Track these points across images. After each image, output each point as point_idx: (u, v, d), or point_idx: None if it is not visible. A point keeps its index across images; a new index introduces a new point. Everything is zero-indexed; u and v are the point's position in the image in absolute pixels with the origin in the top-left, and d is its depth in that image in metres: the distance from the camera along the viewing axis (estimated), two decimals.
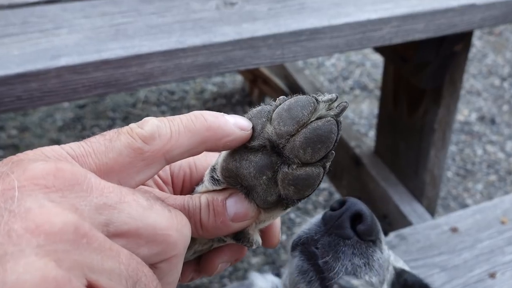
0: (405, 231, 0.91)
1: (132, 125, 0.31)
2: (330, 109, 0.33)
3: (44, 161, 0.26)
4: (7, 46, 0.65)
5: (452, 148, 2.03)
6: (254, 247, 0.39)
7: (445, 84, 1.10)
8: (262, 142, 0.33)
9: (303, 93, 0.34)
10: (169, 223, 0.29)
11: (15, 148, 1.86)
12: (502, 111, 2.26)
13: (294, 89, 1.66)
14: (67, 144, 0.29)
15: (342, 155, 1.43)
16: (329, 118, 0.32)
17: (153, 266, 0.29)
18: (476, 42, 2.72)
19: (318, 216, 0.50)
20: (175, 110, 2.14)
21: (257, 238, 0.39)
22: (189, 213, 0.34)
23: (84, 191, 0.26)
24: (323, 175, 0.34)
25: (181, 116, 0.32)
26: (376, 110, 2.17)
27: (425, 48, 1.03)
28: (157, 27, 0.72)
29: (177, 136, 0.31)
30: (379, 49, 1.24)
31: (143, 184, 0.33)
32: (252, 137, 0.33)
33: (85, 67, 0.63)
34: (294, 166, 0.32)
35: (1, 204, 0.23)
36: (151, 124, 0.30)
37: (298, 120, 0.32)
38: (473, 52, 2.59)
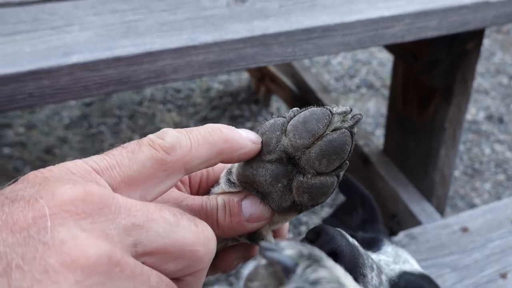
0: (415, 230, 0.90)
1: (152, 136, 0.31)
2: (344, 121, 0.33)
3: (71, 184, 0.26)
4: (19, 43, 0.65)
5: (460, 147, 2.02)
6: None
7: (456, 82, 1.09)
8: (278, 156, 0.34)
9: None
10: (196, 238, 0.29)
11: (22, 146, 1.86)
12: (510, 110, 2.24)
13: (301, 87, 1.65)
14: (90, 158, 0.29)
15: None
16: (343, 130, 0.33)
17: (179, 279, 0.30)
18: (484, 40, 2.70)
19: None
20: (181, 108, 2.13)
21: (270, 239, 0.40)
22: (207, 213, 0.36)
23: (112, 213, 0.26)
24: (336, 184, 0.35)
25: (198, 128, 0.33)
26: (382, 109, 2.16)
27: (437, 46, 1.02)
28: (168, 24, 0.72)
29: (196, 147, 0.32)
30: (388, 47, 1.24)
31: None
32: (268, 150, 0.34)
33: (97, 64, 0.63)
34: (309, 176, 0.34)
35: (34, 234, 0.24)
36: (171, 135, 0.31)
37: (314, 133, 0.33)
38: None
